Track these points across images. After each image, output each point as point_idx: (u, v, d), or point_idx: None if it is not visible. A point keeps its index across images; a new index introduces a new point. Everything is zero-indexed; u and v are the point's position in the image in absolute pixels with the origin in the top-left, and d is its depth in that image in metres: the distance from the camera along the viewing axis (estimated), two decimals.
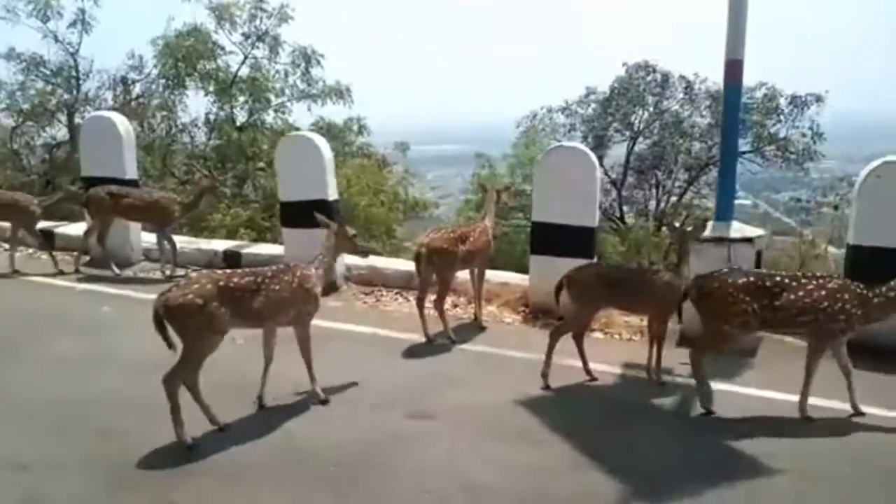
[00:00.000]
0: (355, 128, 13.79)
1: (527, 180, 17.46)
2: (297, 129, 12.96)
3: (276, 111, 13.93)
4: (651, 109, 18.54)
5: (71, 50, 13.47)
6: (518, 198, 17.83)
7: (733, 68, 4.95)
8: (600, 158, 18.02)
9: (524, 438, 3.69)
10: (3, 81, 13.05)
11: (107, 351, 4.84)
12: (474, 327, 5.52)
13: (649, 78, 18.05)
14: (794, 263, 16.30)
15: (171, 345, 3.48)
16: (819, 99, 16.77)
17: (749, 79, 17.47)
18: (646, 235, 16.71)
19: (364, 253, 4.46)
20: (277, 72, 13.87)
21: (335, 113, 13.85)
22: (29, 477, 3.29)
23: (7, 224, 7.17)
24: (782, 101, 17.12)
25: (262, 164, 12.82)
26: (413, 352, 4.97)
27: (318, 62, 13.65)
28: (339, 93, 13.57)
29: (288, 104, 13.93)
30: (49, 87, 13.30)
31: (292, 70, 13.67)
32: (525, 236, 16.22)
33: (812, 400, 3.94)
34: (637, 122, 18.59)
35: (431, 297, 5.25)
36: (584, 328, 4.56)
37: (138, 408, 3.85)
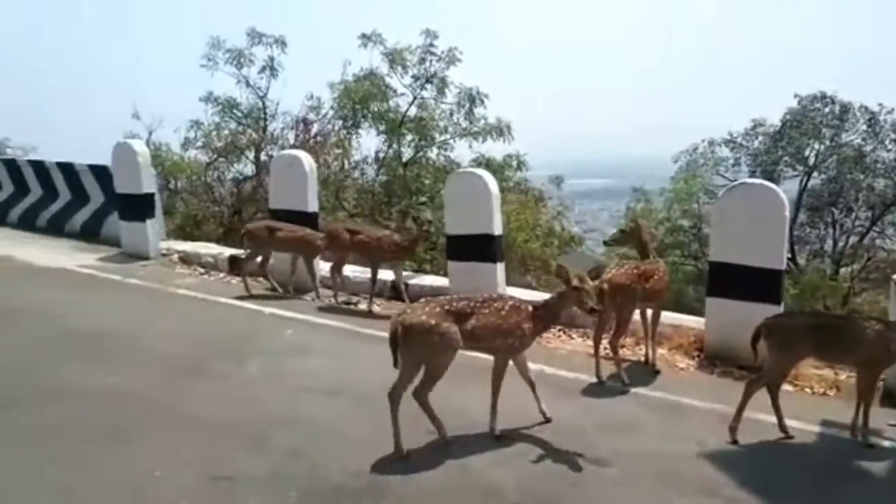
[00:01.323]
0: (514, 164, 13.98)
1: (685, 216, 16.80)
2: (459, 165, 13.39)
3: (439, 148, 14.49)
4: (828, 143, 17.24)
5: (260, 94, 14.84)
6: (675, 235, 17.23)
7: None
8: None
9: (711, 494, 3.47)
10: (201, 122, 14.63)
11: (291, 373, 5.18)
12: (646, 371, 5.32)
13: (826, 109, 16.83)
14: None
15: (396, 362, 3.86)
16: None
17: None
18: (821, 278, 15.41)
19: (592, 310, 4.19)
20: (443, 111, 14.43)
21: (495, 149, 14.18)
22: (233, 487, 3.57)
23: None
24: None
25: (424, 199, 13.34)
26: (585, 392, 4.87)
27: (482, 102, 14.07)
28: (500, 130, 13.85)
29: (451, 141, 14.45)
30: (240, 128, 14.76)
31: (457, 109, 14.16)
32: (681, 275, 15.53)
33: None
34: (812, 155, 17.34)
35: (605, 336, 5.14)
36: (782, 380, 4.25)
37: (320, 429, 4.11)
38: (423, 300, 4.08)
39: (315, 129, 14.60)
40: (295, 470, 3.70)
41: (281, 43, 14.46)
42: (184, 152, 14.75)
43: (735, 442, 4.05)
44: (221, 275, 8.39)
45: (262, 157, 14.31)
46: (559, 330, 6.32)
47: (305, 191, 7.62)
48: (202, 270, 8.63)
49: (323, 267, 7.73)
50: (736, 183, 5.99)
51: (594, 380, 5.01)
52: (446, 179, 8.51)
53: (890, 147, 16.86)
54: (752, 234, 5.27)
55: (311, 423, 4.26)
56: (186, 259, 8.94)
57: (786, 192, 18.49)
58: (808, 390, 4.91)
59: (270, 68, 14.50)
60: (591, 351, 5.15)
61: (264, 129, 14.74)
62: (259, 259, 7.46)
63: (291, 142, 14.20)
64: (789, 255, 16.97)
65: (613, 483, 3.60)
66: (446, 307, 3.92)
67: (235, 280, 7.92)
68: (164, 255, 9.06)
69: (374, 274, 7.05)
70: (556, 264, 4.35)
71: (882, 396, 4.80)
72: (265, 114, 14.89)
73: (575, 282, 3.97)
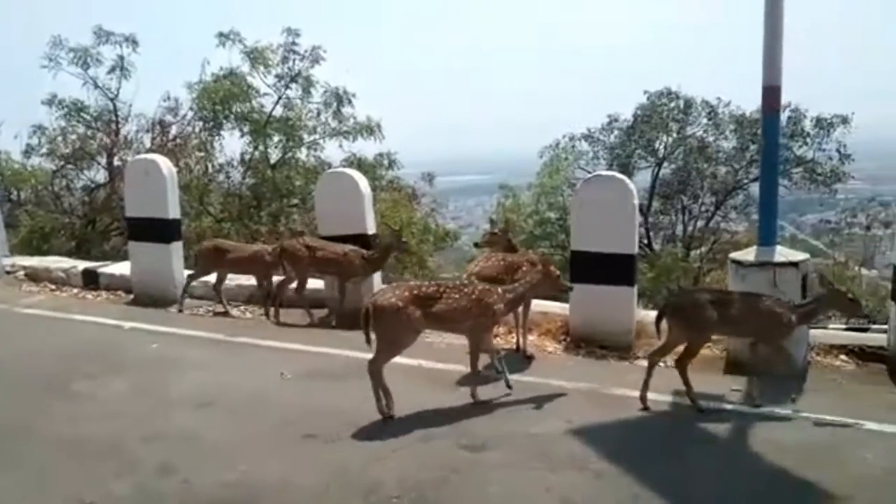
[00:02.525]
0: (385, 162, 14.04)
1: (551, 208, 17.60)
2: (330, 165, 13.23)
3: (308, 148, 14.28)
4: (675, 135, 18.60)
5: (110, 95, 13.90)
6: (544, 227, 18.00)
7: (771, 95, 5.01)
8: None
9: (579, 468, 3.68)
10: (45, 127, 13.45)
11: (158, 387, 4.93)
12: (518, 358, 5.54)
13: (672, 104, 18.15)
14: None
15: (368, 339, 4.29)
16: (845, 120, 16.74)
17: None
18: (674, 261, 16.64)
19: (568, 290, 4.90)
20: (310, 111, 14.24)
21: (366, 148, 14.16)
22: None
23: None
24: (808, 124, 17.10)
25: (296, 201, 13.07)
26: (461, 382, 4.98)
27: (350, 101, 14.00)
28: (370, 129, 13.87)
29: (320, 141, 14.29)
30: (90, 132, 13.72)
31: (324, 109, 14.02)
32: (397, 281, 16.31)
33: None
34: (661, 147, 18.65)
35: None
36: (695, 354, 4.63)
37: (191, 442, 3.96)
38: (395, 283, 4.56)
39: (174, 131, 13.87)
40: (166, 487, 3.55)
41: (132, 41, 13.64)
42: (26, 160, 13.56)
43: (646, 409, 4.42)
44: (76, 290, 7.83)
45: (116, 162, 13.38)
46: None
47: (165, 197, 7.25)
48: (53, 287, 7.99)
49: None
50: (591, 175, 6.37)
51: (468, 370, 5.15)
52: (317, 181, 8.40)
53: (729, 136, 18.44)
54: (606, 222, 5.62)
55: (181, 437, 4.09)
56: (34, 275, 8.26)
57: (640, 182, 19.84)
58: (661, 364, 5.29)
59: (121, 68, 13.64)
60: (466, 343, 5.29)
61: (116, 133, 13.80)
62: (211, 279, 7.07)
63: (148, 145, 13.39)
64: (645, 241, 18.22)
65: (491, 466, 3.73)
66: (415, 291, 4.33)
67: (91, 295, 7.41)
68: (8, 272, 8.32)
69: (342, 293, 6.47)
70: (540, 257, 4.80)
71: (726, 364, 5.31)
72: (117, 116, 13.95)
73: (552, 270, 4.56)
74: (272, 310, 6.71)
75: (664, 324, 4.52)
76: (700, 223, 19.02)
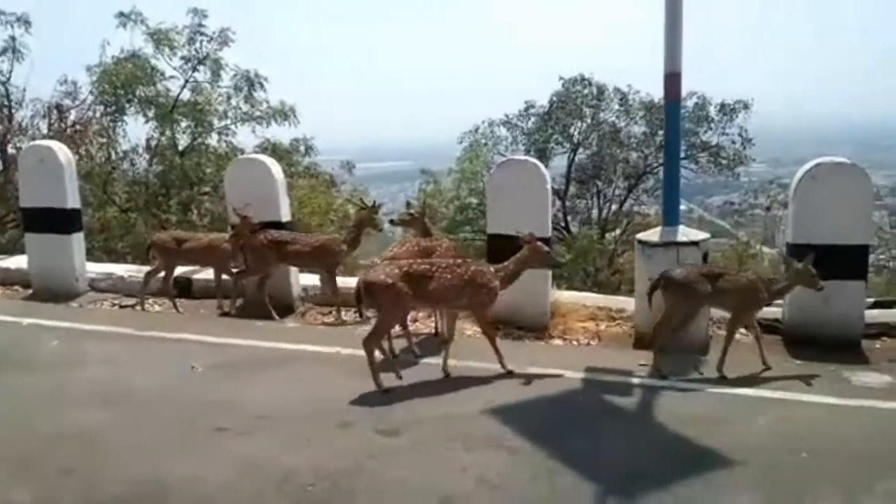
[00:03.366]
0: (302, 148, 13.71)
1: (472, 194, 17.76)
2: (242, 151, 12.82)
3: (219, 134, 13.75)
4: (589, 121, 19.08)
5: (2, 79, 13.02)
6: (465, 212, 18.15)
7: (672, 81, 5.20)
8: None
9: (495, 446, 3.74)
10: None
11: (59, 386, 4.68)
12: (437, 341, 5.57)
13: (586, 91, 18.59)
14: (732, 264, 17.02)
15: (362, 315, 4.69)
16: (746, 106, 17.62)
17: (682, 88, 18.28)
18: (591, 243, 17.14)
19: (557, 265, 5.12)
20: (220, 95, 13.70)
21: (280, 134, 13.78)
22: None
23: None
24: (712, 110, 17.91)
25: (207, 189, 12.61)
26: (380, 368, 4.98)
27: (262, 85, 13.58)
28: (284, 114, 13.50)
29: (232, 127, 13.78)
30: None
31: (235, 93, 13.54)
32: (473, 250, 16.44)
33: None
34: (576, 133, 19.11)
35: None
36: (685, 325, 4.97)
37: (95, 442, 3.78)
38: (386, 261, 4.73)
39: (72, 116, 13.05)
40: (69, 488, 3.37)
41: (24, 22, 12.78)
42: None
43: (663, 377, 4.68)
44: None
45: (10, 150, 12.52)
46: (356, 311, 6.38)
47: (63, 186, 6.86)
48: None
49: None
50: (505, 160, 6.46)
51: (388, 355, 5.15)
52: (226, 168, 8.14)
53: (640, 122, 19.07)
54: (520, 206, 5.71)
55: (84, 437, 3.88)
56: None
57: (557, 167, 20.22)
58: (574, 342, 5.46)
59: (13, 50, 12.75)
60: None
61: (10, 119, 12.89)
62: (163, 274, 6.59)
63: (44, 131, 12.58)
64: (563, 224, 18.69)
65: (406, 450, 3.74)
66: (405, 269, 4.47)
67: None
68: None
69: (333, 282, 6.24)
70: (526, 234, 4.74)
71: (635, 340, 5.52)
72: (9, 101, 13.04)
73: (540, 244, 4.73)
74: (227, 302, 6.49)
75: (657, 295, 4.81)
76: (614, 206, 19.64)
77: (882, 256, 17.60)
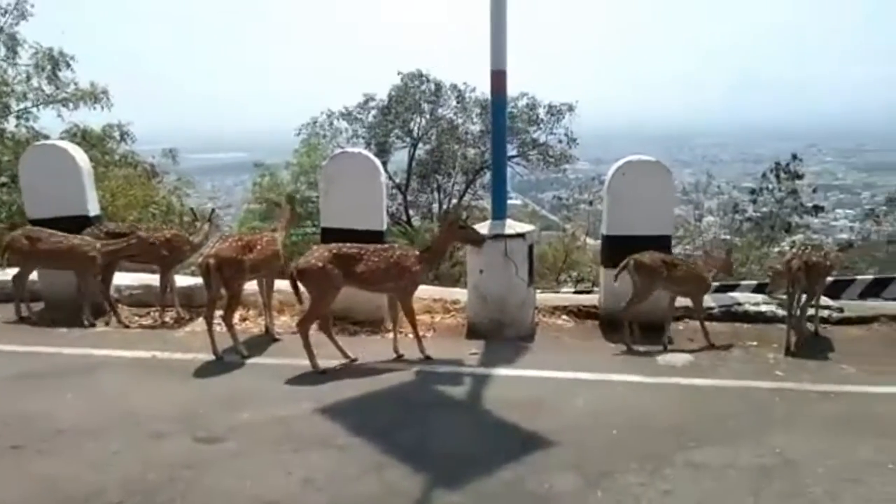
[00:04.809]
0: (116, 135, 12.54)
1: (311, 188, 17.36)
2: (47, 137, 11.51)
3: (18, 118, 12.21)
4: (428, 117, 19.39)
5: None
6: (305, 206, 17.71)
7: (498, 79, 5.35)
8: (384, 164, 18.50)
9: (324, 446, 3.64)
10: None
11: None
12: (267, 340, 5.36)
13: (423, 87, 18.87)
14: (560, 255, 18.10)
15: (300, 300, 4.74)
16: (571, 108, 18.82)
17: (513, 89, 19.15)
18: (432, 237, 17.44)
19: (480, 241, 5.13)
20: (19, 74, 12.24)
21: (92, 119, 12.51)
22: None
23: None
24: (541, 111, 18.92)
25: (4, 180, 11.16)
26: (200, 372, 4.68)
27: (68, 64, 12.24)
28: (95, 97, 12.28)
29: (33, 110, 12.32)
30: None
31: (36, 72, 12.10)
32: (315, 245, 16.10)
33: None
34: (416, 129, 19.34)
35: (220, 311, 5.01)
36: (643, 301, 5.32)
37: None
38: (317, 245, 4.85)
39: None
40: None
41: None
42: None
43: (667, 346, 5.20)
44: None
45: None
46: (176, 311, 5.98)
47: None
48: None
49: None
50: (337, 153, 6.32)
51: (212, 357, 4.86)
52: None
53: (476, 121, 19.68)
54: (354, 199, 5.63)
55: None
56: None
57: (399, 162, 20.27)
58: (409, 335, 5.46)
59: None
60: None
61: None
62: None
63: None
64: (405, 218, 18.85)
65: (230, 456, 3.54)
66: (335, 251, 4.68)
67: None
68: None
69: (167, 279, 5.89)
70: (445, 210, 4.71)
71: (467, 331, 5.65)
72: None
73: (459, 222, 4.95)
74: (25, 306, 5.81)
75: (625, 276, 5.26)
76: (454, 200, 20.14)
77: (688, 247, 19.60)
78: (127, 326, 5.73)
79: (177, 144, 14.47)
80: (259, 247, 5.09)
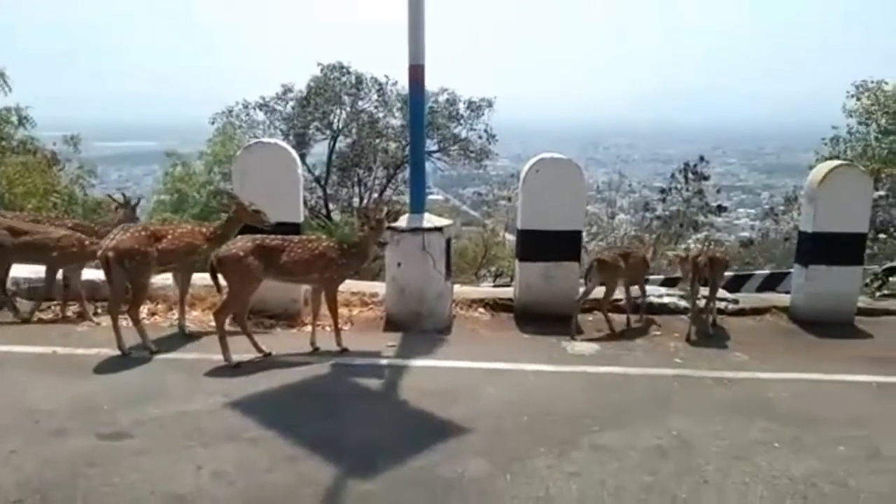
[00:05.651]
0: (14, 119, 11.78)
1: (226, 178, 16.89)
2: None
3: None
4: (348, 109, 19.23)
5: None
6: (218, 198, 17.21)
7: (416, 73, 5.40)
8: (303, 156, 18.22)
9: (234, 439, 3.59)
10: None
11: None
12: (178, 335, 5.20)
13: (344, 79, 18.70)
14: (479, 250, 18.35)
15: (219, 289, 4.71)
16: (490, 104, 19.13)
17: (434, 85, 19.25)
18: (352, 230, 17.33)
19: (382, 244, 5.24)
20: None
21: None
22: None
23: None
24: (461, 106, 19.12)
25: None
26: (104, 368, 4.51)
27: None
28: None
29: None
30: None
31: None
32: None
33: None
34: (336, 121, 19.14)
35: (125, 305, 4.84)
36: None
37: None
38: (241, 236, 4.77)
39: None
40: None
41: None
42: None
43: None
44: None
45: None
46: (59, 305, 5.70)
47: None
48: None
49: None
50: (251, 142, 6.20)
51: (117, 353, 4.68)
52: None
53: (397, 115, 19.69)
54: (269, 190, 5.53)
55: None
56: None
57: (318, 154, 19.99)
58: (327, 328, 5.44)
59: None
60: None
61: None
62: None
63: None
64: (325, 212, 18.62)
65: (135, 453, 3.43)
66: (258, 242, 4.62)
67: None
68: None
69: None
70: (364, 207, 4.57)
71: (385, 323, 5.68)
72: None
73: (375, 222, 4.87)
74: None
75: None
76: (375, 195, 20.07)
77: (602, 243, 20.32)
78: (26, 321, 5.43)
79: (82, 131, 13.73)
80: (169, 237, 4.93)
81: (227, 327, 4.62)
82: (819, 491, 3.22)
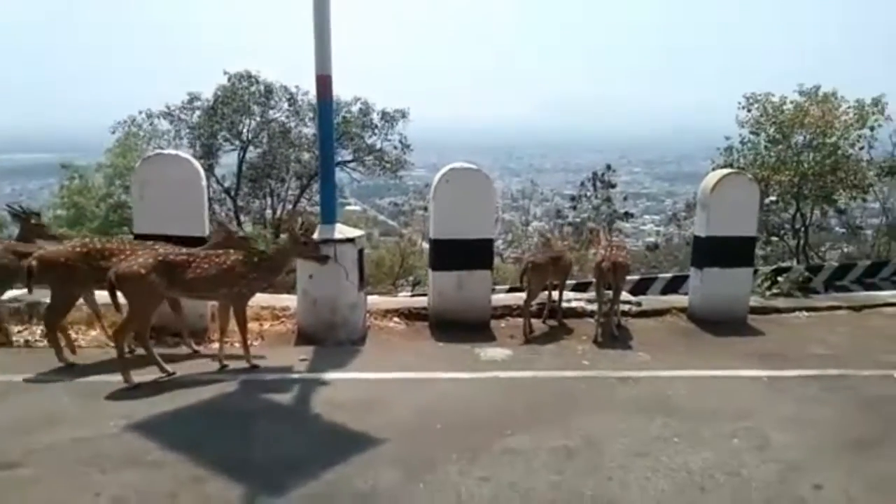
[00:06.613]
0: None
1: (127, 191, 16.15)
2: None
3: None
4: (258, 119, 18.80)
5: None
6: (120, 211, 16.39)
7: (323, 83, 5.37)
8: (211, 167, 17.66)
9: (135, 464, 3.43)
10: None
11: None
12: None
13: (253, 88, 18.28)
14: (396, 260, 18.33)
15: (117, 307, 4.41)
16: (404, 115, 19.18)
17: (347, 94, 19.13)
18: (266, 243, 16.94)
19: (324, 260, 5.01)
20: None
21: None
22: None
23: None
24: (375, 116, 19.08)
25: None
26: None
27: None
28: None
29: None
30: None
31: None
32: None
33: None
34: (245, 131, 18.68)
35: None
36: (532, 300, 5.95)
37: None
38: (145, 251, 4.58)
39: None
40: None
41: None
42: None
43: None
44: None
45: None
46: None
47: None
48: None
49: None
50: (149, 154, 5.98)
51: (17, 378, 4.41)
52: None
53: (309, 124, 19.39)
54: (171, 203, 5.35)
55: None
56: None
57: (228, 165, 19.41)
58: (236, 344, 5.28)
59: None
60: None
61: None
62: None
63: None
64: (236, 224, 18.10)
65: (28, 482, 3.23)
66: (160, 258, 4.42)
67: None
68: None
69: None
70: (284, 219, 4.21)
71: (297, 336, 5.58)
72: None
73: (301, 236, 4.76)
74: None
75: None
76: (288, 206, 19.69)
77: (518, 250, 20.72)
78: None
79: None
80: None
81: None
82: (715, 482, 3.41)
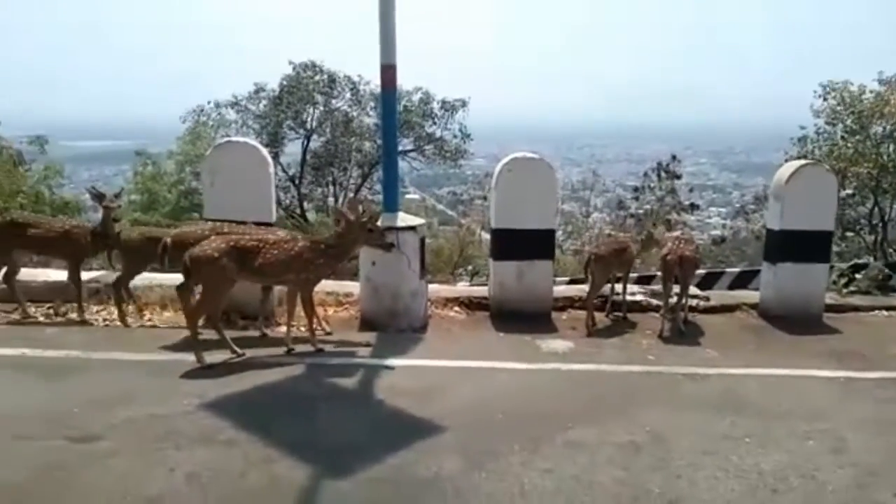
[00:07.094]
0: None
1: (197, 178, 16.68)
2: None
3: None
4: (322, 108, 19.08)
5: None
6: (190, 197, 16.95)
7: (388, 73, 5.38)
8: (276, 155, 18.06)
9: (207, 442, 3.55)
10: None
11: None
12: (147, 336, 5.14)
13: (317, 77, 18.54)
14: (455, 249, 18.37)
15: (191, 289, 4.65)
16: (465, 104, 19.12)
17: (408, 83, 19.21)
18: (327, 230, 17.24)
19: (388, 248, 4.98)
20: None
21: None
22: None
23: None
24: (435, 105, 19.09)
25: None
26: (73, 370, 4.43)
27: None
28: None
29: None
30: None
31: None
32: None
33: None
34: (309, 120, 18.99)
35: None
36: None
37: None
38: (216, 235, 4.70)
39: None
40: None
41: None
42: None
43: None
44: None
45: None
46: (49, 307, 5.62)
47: None
48: None
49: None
50: (221, 142, 6.14)
51: (86, 355, 4.63)
52: None
53: (371, 114, 19.59)
54: (241, 189, 5.49)
55: None
56: None
57: (292, 154, 19.80)
58: (302, 328, 5.38)
59: None
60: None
61: None
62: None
63: None
64: (299, 212, 18.49)
65: (105, 455, 3.38)
66: (232, 244, 4.55)
67: None
68: None
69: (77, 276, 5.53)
70: (339, 207, 4.44)
71: (361, 323, 5.65)
72: None
73: (366, 221, 4.76)
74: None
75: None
76: (350, 194, 19.96)
77: (578, 242, 20.43)
78: None
79: (52, 132, 13.48)
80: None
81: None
82: (788, 484, 3.29)
